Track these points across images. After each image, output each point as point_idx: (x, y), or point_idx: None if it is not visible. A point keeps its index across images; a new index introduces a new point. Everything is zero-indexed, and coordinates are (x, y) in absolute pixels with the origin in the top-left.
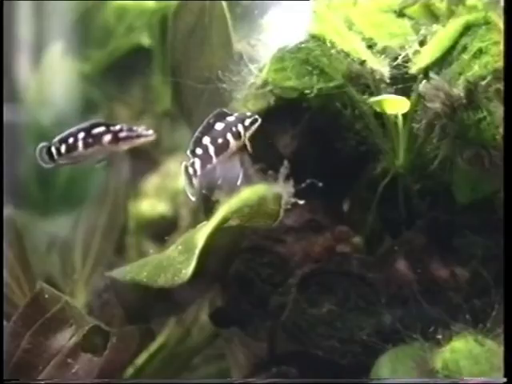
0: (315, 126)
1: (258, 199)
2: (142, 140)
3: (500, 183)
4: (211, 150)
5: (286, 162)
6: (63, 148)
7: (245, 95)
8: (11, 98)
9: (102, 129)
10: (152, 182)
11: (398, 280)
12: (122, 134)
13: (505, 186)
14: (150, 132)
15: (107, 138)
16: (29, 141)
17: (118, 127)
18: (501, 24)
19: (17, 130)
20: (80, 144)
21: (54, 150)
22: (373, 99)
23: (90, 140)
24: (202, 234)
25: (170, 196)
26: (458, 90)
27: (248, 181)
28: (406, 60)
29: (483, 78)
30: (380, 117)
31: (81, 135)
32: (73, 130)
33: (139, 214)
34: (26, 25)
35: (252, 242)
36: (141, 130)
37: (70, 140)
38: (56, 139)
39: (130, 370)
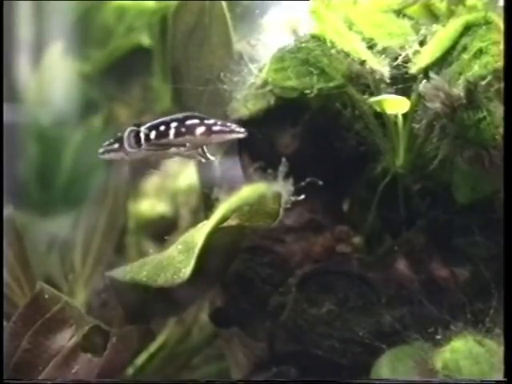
0: (315, 125)
1: (257, 198)
2: (233, 136)
3: (500, 183)
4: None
5: (284, 160)
6: (153, 134)
7: (245, 95)
8: (11, 98)
9: (195, 121)
10: (152, 182)
11: (397, 280)
12: (216, 128)
13: (505, 186)
14: (242, 130)
15: (200, 129)
16: (29, 141)
17: (212, 121)
18: (501, 24)
19: (17, 130)
20: (171, 132)
21: (142, 134)
22: (373, 99)
23: (183, 129)
24: (201, 233)
25: (169, 196)
26: (458, 90)
27: (247, 179)
28: (406, 60)
29: (483, 78)
30: (380, 117)
31: (173, 124)
32: (165, 118)
33: (139, 214)
34: (25, 25)
35: (252, 241)
36: (234, 126)
37: (162, 127)
38: (146, 125)
39: (129, 370)
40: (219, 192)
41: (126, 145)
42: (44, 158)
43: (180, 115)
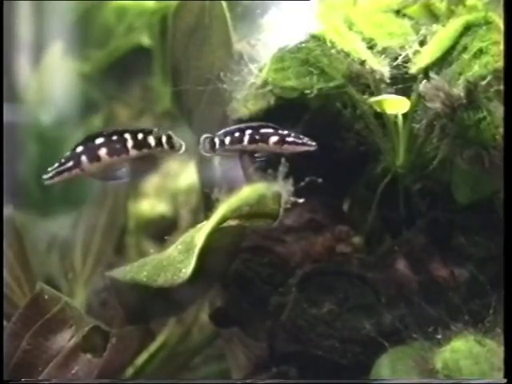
0: (315, 125)
1: (257, 198)
2: (304, 148)
3: (500, 183)
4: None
5: (284, 160)
6: (227, 140)
7: (245, 95)
8: (11, 98)
9: (270, 130)
10: (152, 182)
11: (397, 280)
12: (289, 139)
13: (505, 186)
14: (314, 143)
15: (274, 138)
16: (29, 141)
17: (285, 132)
18: (501, 24)
19: (17, 130)
20: (246, 138)
21: (217, 140)
22: (373, 99)
23: (257, 137)
24: (201, 233)
25: (169, 196)
26: (458, 90)
27: (248, 180)
28: (406, 60)
29: (483, 78)
30: (380, 117)
31: (248, 131)
32: (241, 125)
33: (139, 213)
34: (25, 25)
35: (252, 241)
36: (306, 139)
37: (237, 133)
38: (221, 132)
39: (130, 370)
40: (219, 192)
41: (200, 150)
42: (44, 158)
43: (255, 123)
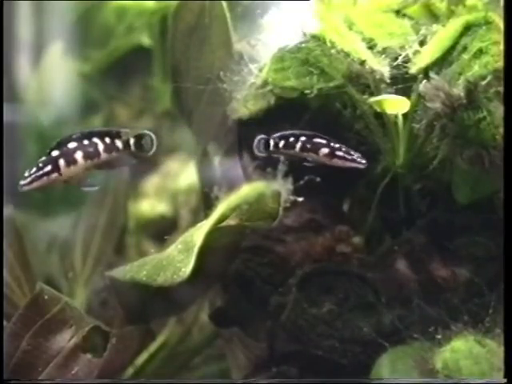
0: (315, 125)
1: (256, 196)
2: (353, 165)
3: (500, 183)
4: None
5: (283, 159)
6: (281, 143)
7: (245, 95)
8: (11, 98)
9: (322, 141)
10: (152, 181)
11: (398, 280)
12: (339, 153)
13: (505, 186)
14: (364, 161)
15: (325, 150)
16: (29, 141)
17: (337, 145)
18: (501, 24)
19: (17, 130)
20: (298, 145)
21: (272, 142)
22: (373, 99)
23: (309, 145)
24: (200, 232)
25: (169, 196)
26: (458, 90)
27: (247, 179)
28: (406, 60)
29: (483, 78)
30: (380, 117)
31: (302, 138)
32: (296, 131)
33: (139, 213)
34: (26, 25)
35: (252, 241)
36: (356, 156)
37: (291, 138)
38: (276, 135)
39: (130, 370)
40: (219, 191)
41: (255, 150)
42: None
43: (310, 132)
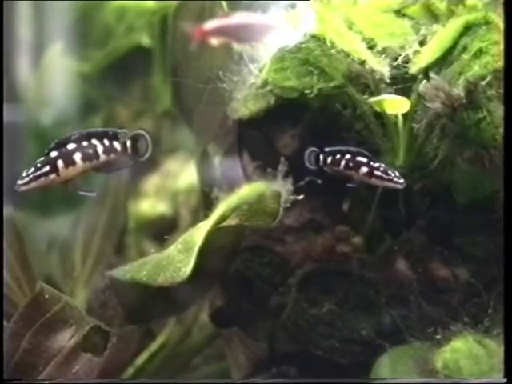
0: (315, 125)
1: (257, 197)
2: (390, 185)
3: (500, 183)
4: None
5: (283, 159)
6: (329, 159)
7: (245, 95)
8: (11, 98)
9: (363, 159)
10: (152, 182)
11: (398, 280)
12: (378, 173)
13: (505, 186)
14: (402, 181)
15: (364, 169)
16: (29, 141)
17: (377, 164)
18: (501, 24)
19: (17, 130)
20: (342, 163)
21: (321, 157)
22: (373, 99)
23: (351, 164)
24: (200, 231)
25: (169, 196)
26: (458, 90)
27: (247, 179)
28: (406, 60)
29: (483, 78)
30: (380, 117)
31: (346, 156)
32: (343, 148)
33: (139, 213)
34: (26, 25)
35: (252, 241)
36: (393, 175)
37: (337, 156)
38: (328, 149)
39: (130, 370)
40: (219, 191)
41: (306, 163)
42: None
43: (354, 149)
